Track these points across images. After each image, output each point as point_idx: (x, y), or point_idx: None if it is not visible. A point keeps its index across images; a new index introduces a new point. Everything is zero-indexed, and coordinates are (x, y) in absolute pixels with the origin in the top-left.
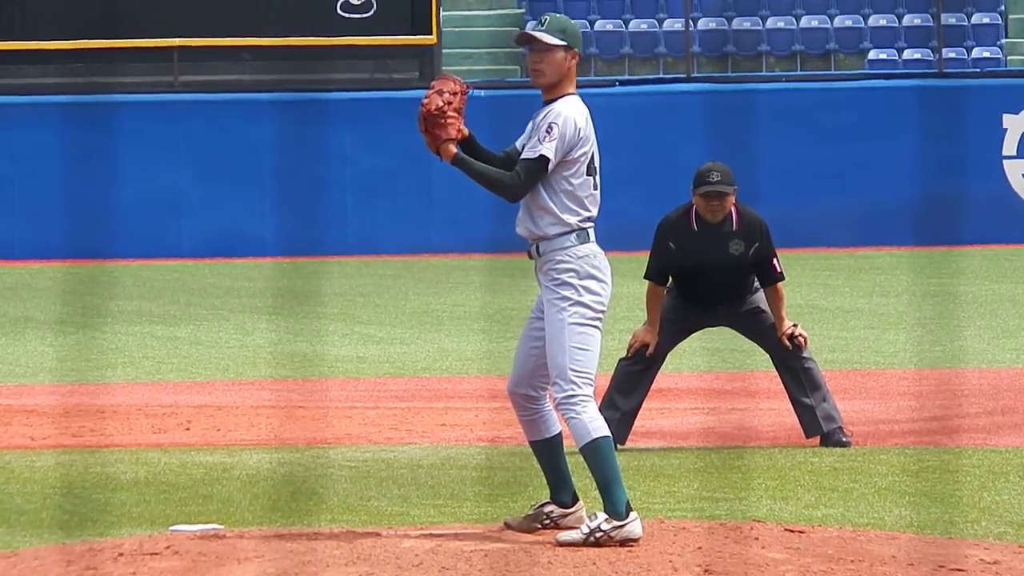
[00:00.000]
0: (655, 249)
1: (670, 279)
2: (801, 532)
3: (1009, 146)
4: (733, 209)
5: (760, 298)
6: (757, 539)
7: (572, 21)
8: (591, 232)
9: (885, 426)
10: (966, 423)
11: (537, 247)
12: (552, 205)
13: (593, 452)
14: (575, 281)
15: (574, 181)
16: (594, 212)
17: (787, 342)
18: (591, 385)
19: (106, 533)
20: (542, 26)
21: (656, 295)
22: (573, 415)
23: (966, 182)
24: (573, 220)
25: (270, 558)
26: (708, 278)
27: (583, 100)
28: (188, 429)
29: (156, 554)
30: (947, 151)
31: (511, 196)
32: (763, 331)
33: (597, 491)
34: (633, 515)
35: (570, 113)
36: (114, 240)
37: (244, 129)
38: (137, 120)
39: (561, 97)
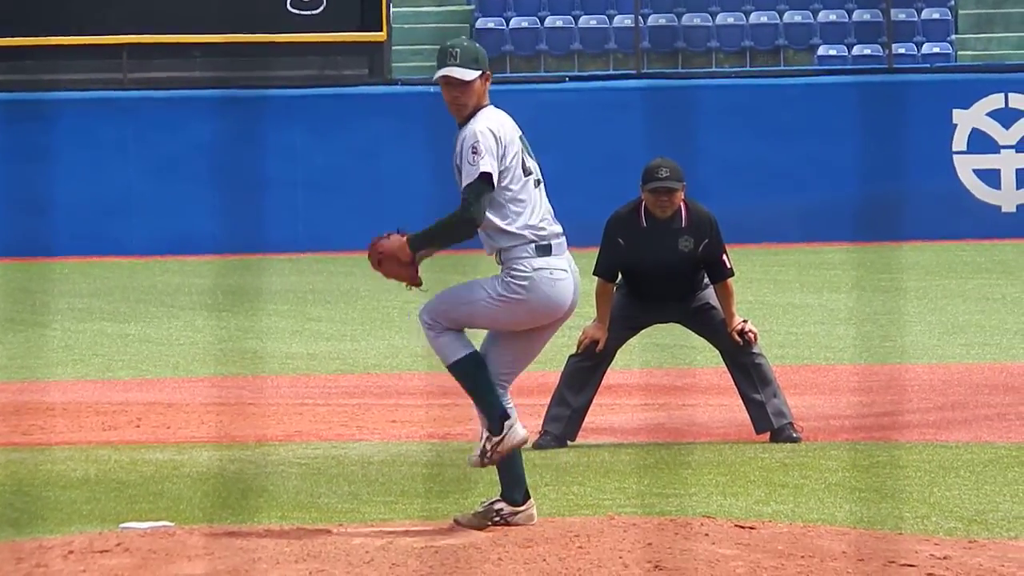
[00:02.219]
0: (604, 246)
1: (619, 276)
2: (751, 528)
3: (959, 142)
4: (683, 205)
5: (710, 294)
6: (707, 535)
7: (476, 44)
8: (554, 246)
9: (835, 421)
10: (915, 418)
11: (498, 255)
12: (496, 219)
13: (451, 373)
14: (524, 295)
15: (513, 187)
16: (551, 225)
17: (737, 338)
18: (454, 332)
19: (56, 530)
20: (455, 60)
21: (605, 292)
22: (427, 337)
23: (916, 178)
24: (527, 231)
25: (220, 555)
26: (657, 275)
27: (500, 106)
28: (138, 426)
29: (106, 551)
30: (897, 147)
31: (473, 222)
32: (713, 327)
33: (499, 481)
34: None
35: (481, 126)
36: (63, 238)
37: (194, 126)
38: (85, 118)
39: (472, 116)
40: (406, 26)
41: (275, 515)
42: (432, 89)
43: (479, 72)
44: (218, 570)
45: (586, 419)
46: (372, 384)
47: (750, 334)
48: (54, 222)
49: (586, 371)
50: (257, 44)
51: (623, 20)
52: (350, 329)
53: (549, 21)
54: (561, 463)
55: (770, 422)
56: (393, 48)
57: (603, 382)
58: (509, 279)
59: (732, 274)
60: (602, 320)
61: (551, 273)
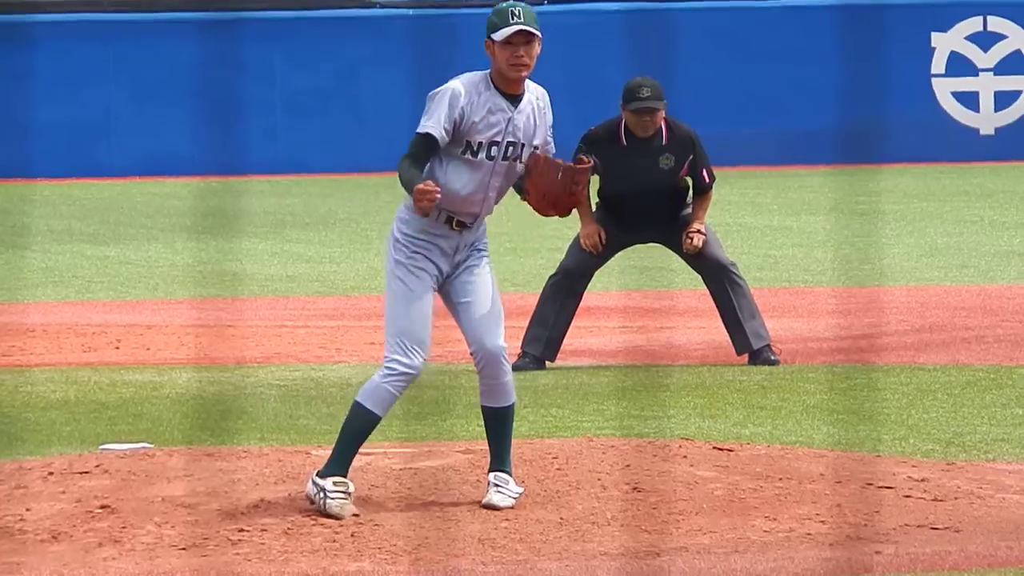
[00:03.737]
0: (578, 153)
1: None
2: (729, 450)
3: (937, 65)
4: (663, 124)
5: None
6: (685, 457)
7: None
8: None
9: (813, 344)
10: (893, 341)
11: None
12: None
13: (512, 412)
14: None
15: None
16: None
17: (686, 236)
18: None
19: (36, 452)
20: (521, 19)
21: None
22: (510, 371)
23: (894, 101)
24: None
25: (199, 477)
26: (639, 195)
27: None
28: (118, 348)
29: (86, 473)
30: (876, 70)
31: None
32: (705, 246)
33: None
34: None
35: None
36: (43, 160)
37: (173, 49)
38: (65, 40)
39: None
40: None
41: (254, 437)
42: (410, 12)
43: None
44: (197, 492)
45: (565, 341)
46: (351, 306)
47: (694, 239)
48: (33, 144)
49: (564, 291)
50: None
51: None
52: (329, 251)
53: None
54: (540, 385)
55: (749, 344)
56: None
57: (583, 304)
58: (485, 243)
59: (710, 187)
60: (588, 219)
61: None
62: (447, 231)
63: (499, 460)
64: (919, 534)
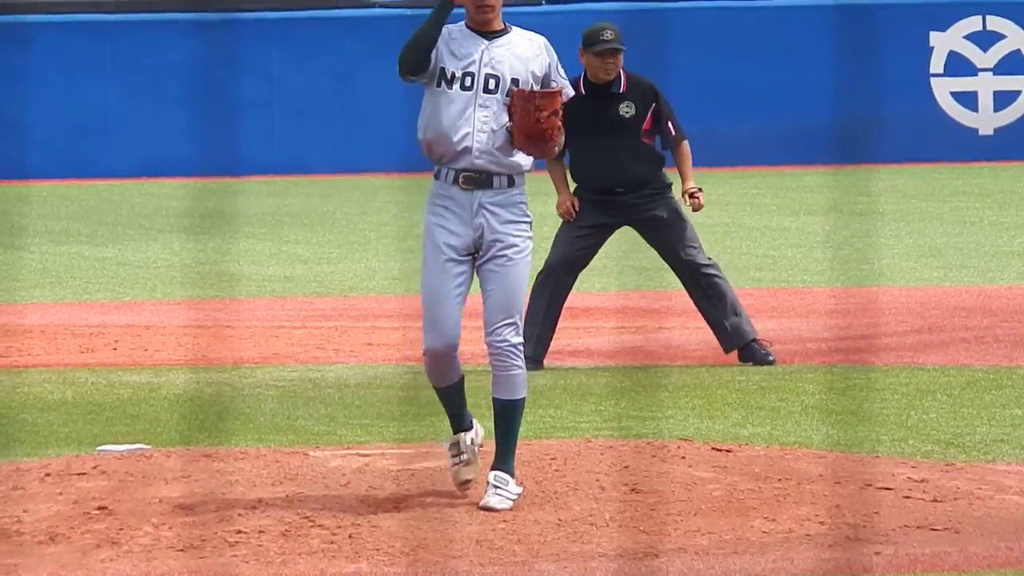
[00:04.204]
0: None
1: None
2: (728, 451)
3: (936, 64)
4: (622, 72)
5: (666, 203)
6: (684, 458)
7: None
8: None
9: (812, 344)
10: (892, 341)
11: (511, 179)
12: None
13: (520, 407)
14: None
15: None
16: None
17: (687, 198)
18: None
19: (33, 453)
20: None
21: (553, 166)
22: (522, 367)
23: (893, 100)
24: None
25: (197, 478)
26: (602, 143)
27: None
28: (115, 349)
29: (83, 474)
30: (874, 69)
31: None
32: (666, 244)
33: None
34: None
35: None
36: (40, 160)
37: (171, 49)
38: (63, 40)
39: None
40: None
41: (252, 438)
42: (409, 12)
43: None
44: (195, 493)
45: (563, 342)
46: (349, 307)
47: (697, 199)
48: (34, 145)
49: (551, 288)
50: None
51: None
52: (326, 252)
53: None
54: (538, 386)
55: (733, 341)
56: None
57: (582, 304)
58: (526, 219)
59: (683, 137)
60: (562, 188)
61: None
62: (457, 191)
63: (500, 459)
64: (918, 535)
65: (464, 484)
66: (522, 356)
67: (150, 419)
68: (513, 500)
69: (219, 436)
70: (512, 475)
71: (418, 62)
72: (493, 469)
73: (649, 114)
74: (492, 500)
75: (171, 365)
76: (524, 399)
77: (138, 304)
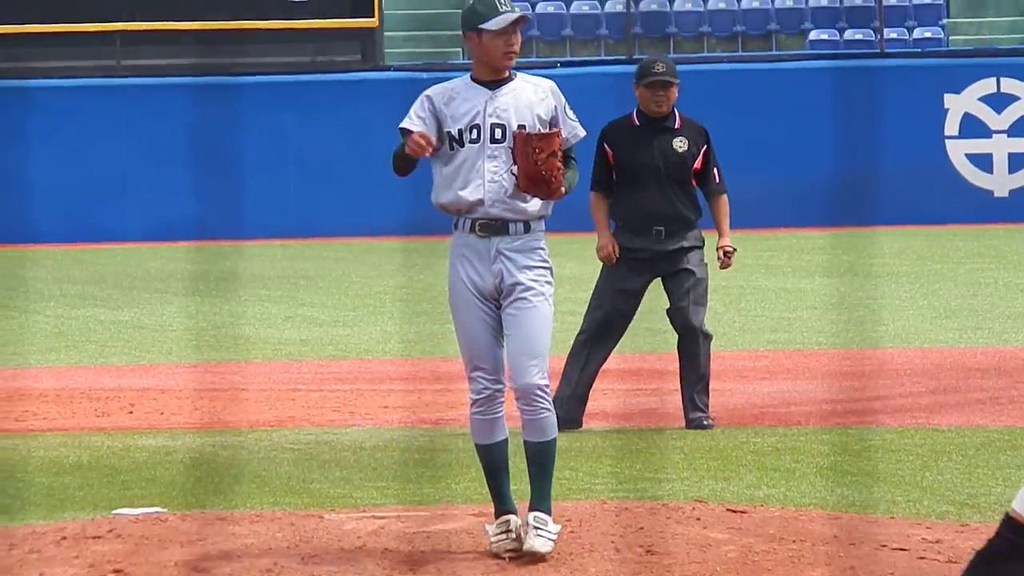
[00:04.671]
0: (595, 156)
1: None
2: (743, 512)
3: (951, 126)
4: (676, 111)
5: (697, 258)
6: (699, 519)
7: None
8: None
9: (827, 405)
10: (908, 402)
11: (527, 224)
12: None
13: (552, 449)
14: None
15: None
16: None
17: (720, 254)
18: None
19: (49, 517)
20: (509, 7)
21: (598, 204)
22: (550, 409)
23: (908, 162)
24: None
25: (212, 541)
26: (651, 176)
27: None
28: (131, 412)
29: (99, 537)
30: (889, 131)
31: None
32: (680, 296)
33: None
34: None
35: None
36: (55, 223)
37: (186, 113)
38: (78, 103)
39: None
40: (397, 12)
41: (267, 501)
42: (424, 75)
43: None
44: (210, 556)
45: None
46: (364, 370)
47: (730, 258)
48: (51, 208)
49: (589, 347)
50: (250, 31)
51: (615, 6)
52: (342, 315)
53: (541, 7)
54: None
55: (688, 416)
56: (385, 34)
57: (605, 366)
58: (544, 264)
59: (724, 190)
60: (603, 230)
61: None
62: (475, 239)
63: (537, 498)
64: None
65: (507, 552)
66: (549, 398)
67: (166, 482)
68: (554, 540)
69: (234, 499)
70: (550, 513)
71: (407, 174)
72: (531, 510)
73: (701, 154)
74: (536, 543)
75: (187, 428)
76: (555, 439)
77: (154, 367)
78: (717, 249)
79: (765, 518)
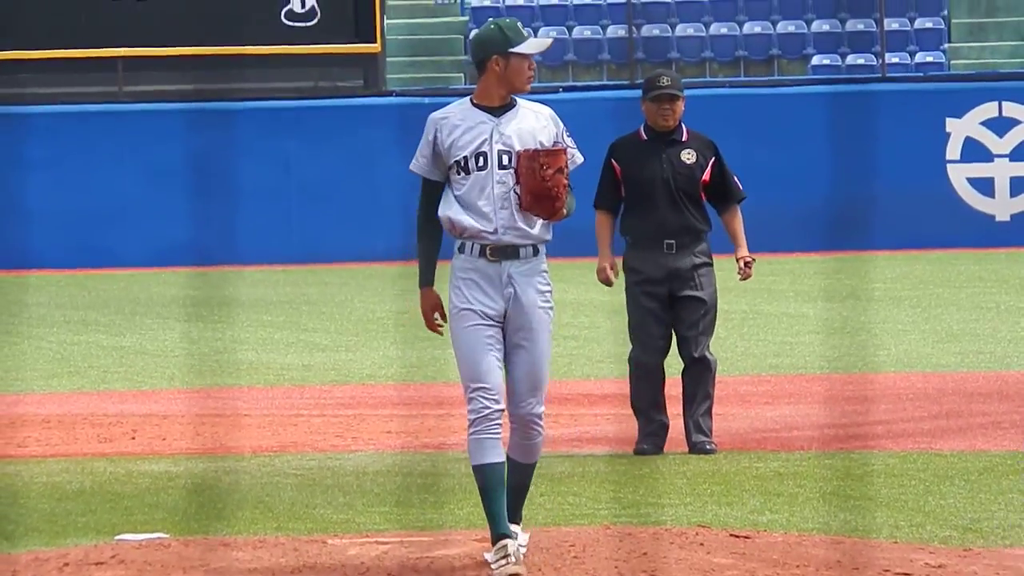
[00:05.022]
0: (602, 173)
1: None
2: (746, 537)
3: (952, 150)
4: (683, 125)
5: (707, 279)
6: (702, 544)
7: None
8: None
9: (830, 430)
10: (911, 427)
11: (535, 248)
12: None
13: (533, 469)
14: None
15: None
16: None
17: (741, 264)
18: None
19: (52, 543)
20: (534, 35)
21: (602, 223)
22: (542, 433)
23: (910, 186)
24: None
25: (215, 567)
26: (660, 189)
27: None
28: (134, 438)
29: (102, 564)
30: (891, 156)
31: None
32: (685, 324)
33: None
34: None
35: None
36: (57, 249)
37: (188, 138)
38: (81, 129)
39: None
40: (400, 37)
41: (270, 526)
42: (426, 100)
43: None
44: None
45: (582, 429)
46: (366, 395)
47: (750, 268)
48: (47, 233)
49: (641, 378)
50: (252, 56)
51: (617, 31)
52: (344, 340)
53: (543, 32)
54: (557, 473)
55: (690, 439)
56: (388, 60)
57: (600, 391)
58: (548, 287)
59: (743, 196)
60: (603, 250)
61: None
62: (484, 264)
63: (511, 510)
64: None
65: None
66: (543, 425)
67: (168, 508)
68: (524, 549)
69: (237, 525)
70: (520, 522)
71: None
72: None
73: (709, 166)
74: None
75: (189, 454)
76: (537, 461)
77: (156, 393)
78: (737, 260)
79: (768, 543)
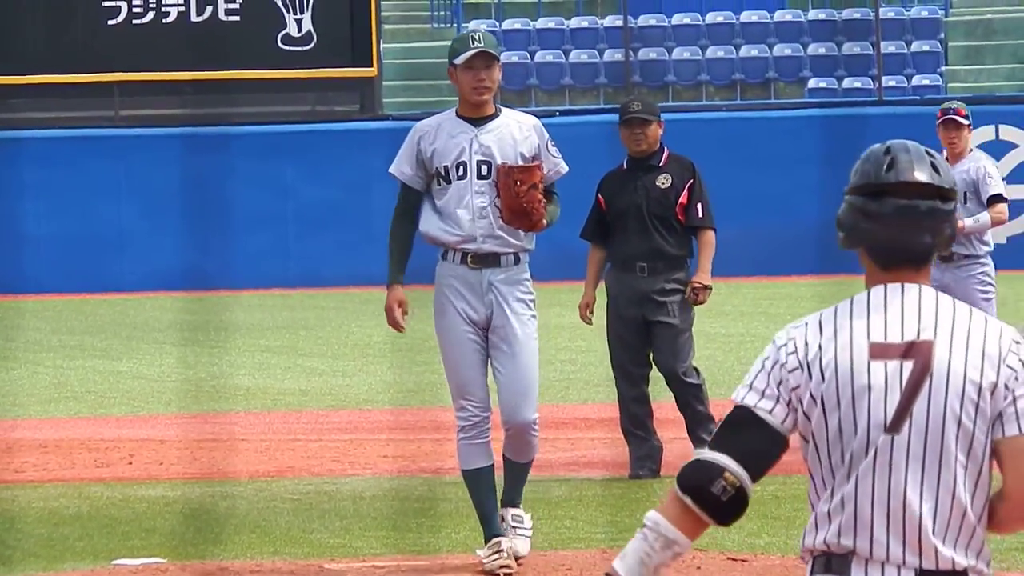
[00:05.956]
0: (592, 206)
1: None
2: (744, 560)
3: None
4: (664, 149)
5: (678, 307)
6: (699, 568)
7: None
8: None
9: None
10: None
11: (516, 257)
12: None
13: (531, 464)
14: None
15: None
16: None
17: (688, 290)
18: None
19: (49, 567)
20: (481, 43)
21: (591, 258)
22: (536, 435)
23: None
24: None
25: None
26: (635, 215)
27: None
28: (131, 463)
29: None
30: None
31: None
32: (662, 352)
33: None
34: None
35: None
36: (55, 274)
37: (185, 163)
38: (77, 154)
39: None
40: (396, 61)
41: (267, 551)
42: None
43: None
44: None
45: (578, 453)
46: (364, 419)
47: (699, 295)
48: (43, 259)
49: (626, 398)
50: (249, 81)
51: (613, 55)
52: (342, 365)
53: (540, 56)
54: (553, 497)
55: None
56: (384, 84)
57: (596, 415)
58: (530, 295)
59: (710, 226)
60: (588, 284)
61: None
62: (466, 271)
63: (510, 497)
64: None
65: (502, 568)
66: (537, 430)
67: (165, 533)
68: (530, 535)
69: (234, 549)
70: (521, 506)
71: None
72: (505, 506)
73: (686, 189)
74: (517, 543)
75: (186, 479)
76: (533, 459)
77: (153, 418)
78: (690, 283)
79: (766, 566)
